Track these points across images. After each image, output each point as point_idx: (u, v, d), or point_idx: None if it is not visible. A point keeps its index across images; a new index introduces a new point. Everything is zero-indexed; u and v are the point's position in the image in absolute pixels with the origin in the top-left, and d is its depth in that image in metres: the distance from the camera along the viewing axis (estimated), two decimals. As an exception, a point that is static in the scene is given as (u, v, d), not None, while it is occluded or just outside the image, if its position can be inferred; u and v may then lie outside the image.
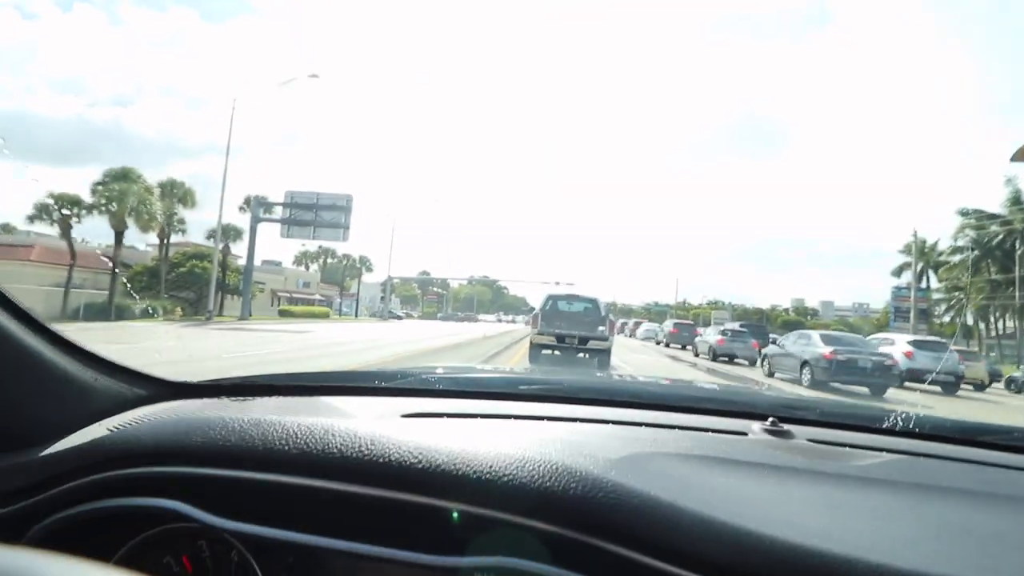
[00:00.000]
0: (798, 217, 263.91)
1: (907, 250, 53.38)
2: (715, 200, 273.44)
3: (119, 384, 1.39)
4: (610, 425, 1.43)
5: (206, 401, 1.52)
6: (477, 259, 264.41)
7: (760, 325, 40.42)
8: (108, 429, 1.22)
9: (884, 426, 1.56)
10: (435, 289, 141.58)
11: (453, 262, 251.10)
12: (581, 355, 17.61)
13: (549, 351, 17.97)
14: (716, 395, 2.06)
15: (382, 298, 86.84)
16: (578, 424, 1.43)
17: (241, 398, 1.54)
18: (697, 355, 31.24)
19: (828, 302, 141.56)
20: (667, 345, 40.95)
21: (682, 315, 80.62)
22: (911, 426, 1.56)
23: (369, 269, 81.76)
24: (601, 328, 17.54)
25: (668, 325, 44.69)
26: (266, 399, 1.56)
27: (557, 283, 62.22)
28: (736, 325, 32.87)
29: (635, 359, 24.71)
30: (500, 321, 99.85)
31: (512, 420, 1.45)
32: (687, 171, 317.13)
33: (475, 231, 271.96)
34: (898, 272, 56.19)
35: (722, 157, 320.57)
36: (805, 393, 12.31)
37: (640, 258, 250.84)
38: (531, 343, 18.00)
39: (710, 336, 30.53)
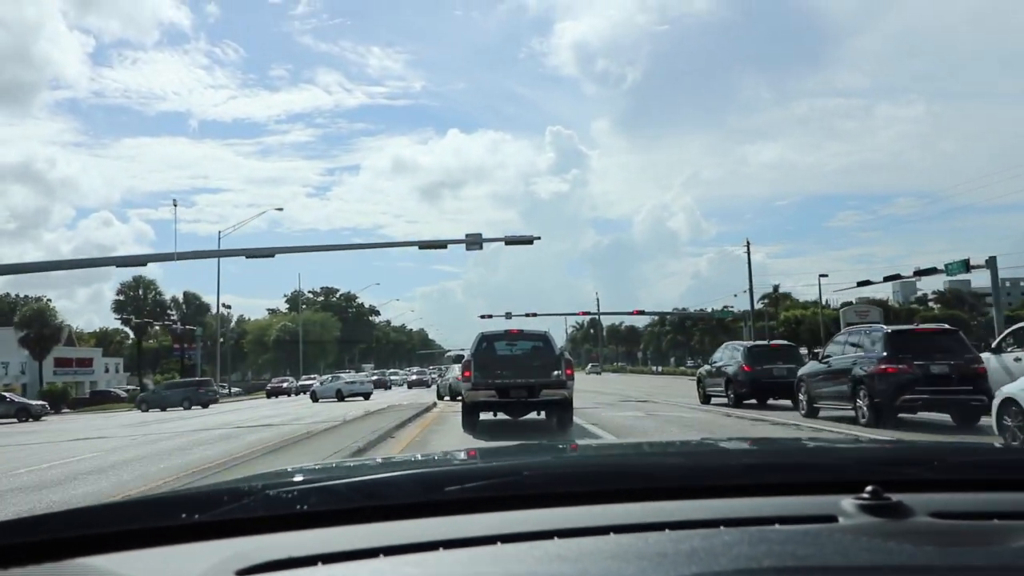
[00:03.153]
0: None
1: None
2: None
3: None
4: (615, 537, 0.97)
5: None
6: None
7: None
8: None
9: None
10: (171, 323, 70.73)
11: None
12: (532, 412, 14.73)
13: (490, 412, 14.84)
14: (771, 459, 1.48)
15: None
16: (562, 543, 0.95)
17: None
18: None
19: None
20: None
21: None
22: None
23: None
24: (556, 372, 14.26)
25: None
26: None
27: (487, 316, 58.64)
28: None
29: (609, 415, 18.92)
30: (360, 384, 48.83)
31: (443, 552, 0.95)
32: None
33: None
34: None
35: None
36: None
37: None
38: (463, 404, 14.83)
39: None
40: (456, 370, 25.85)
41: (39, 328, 56.14)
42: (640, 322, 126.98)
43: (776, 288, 74.81)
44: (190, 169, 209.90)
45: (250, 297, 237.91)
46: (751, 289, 68.09)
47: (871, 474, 1.14)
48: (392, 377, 72.80)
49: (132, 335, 66.25)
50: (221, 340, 61.62)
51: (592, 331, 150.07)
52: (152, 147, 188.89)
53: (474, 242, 27.97)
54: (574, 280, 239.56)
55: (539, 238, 28.99)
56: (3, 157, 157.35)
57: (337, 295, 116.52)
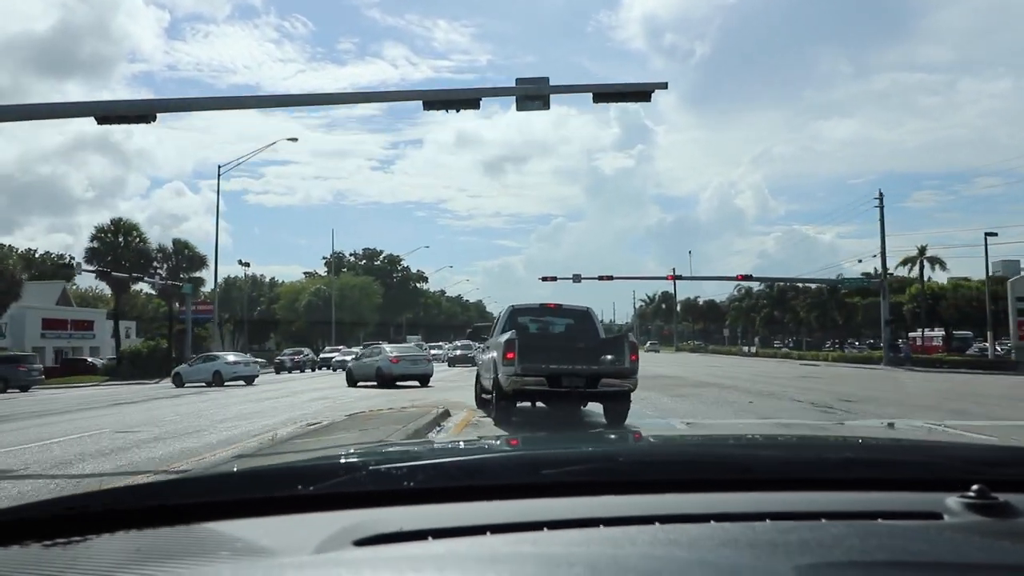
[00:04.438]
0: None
1: None
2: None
3: None
4: (718, 524, 0.98)
5: (6, 553, 1.01)
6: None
7: None
8: None
9: None
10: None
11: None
12: (584, 405, 12.50)
13: (528, 402, 12.59)
14: (869, 455, 1.46)
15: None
16: (668, 528, 0.95)
17: (64, 541, 1.02)
18: None
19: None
20: None
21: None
22: None
23: None
24: (619, 358, 11.95)
25: None
26: (108, 538, 1.03)
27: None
28: None
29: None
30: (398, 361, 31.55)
31: (549, 532, 0.96)
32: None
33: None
34: None
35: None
36: None
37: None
38: (498, 391, 11.91)
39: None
40: (482, 351, 17.31)
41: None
42: (720, 295, 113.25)
43: (923, 251, 59.12)
44: (259, 141, 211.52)
45: (289, 263, 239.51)
46: (883, 253, 53.13)
47: (974, 473, 1.13)
48: (435, 351, 58.92)
49: (110, 291, 54.28)
50: (236, 304, 49.41)
51: (664, 306, 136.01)
52: (222, 119, 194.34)
53: (532, 95, 14.46)
54: (638, 257, 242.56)
55: (664, 86, 15.58)
56: (84, 129, 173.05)
57: (380, 258, 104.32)
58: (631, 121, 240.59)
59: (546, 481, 1.16)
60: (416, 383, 27.25)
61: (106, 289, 60.89)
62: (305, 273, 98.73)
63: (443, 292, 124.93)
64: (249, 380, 34.67)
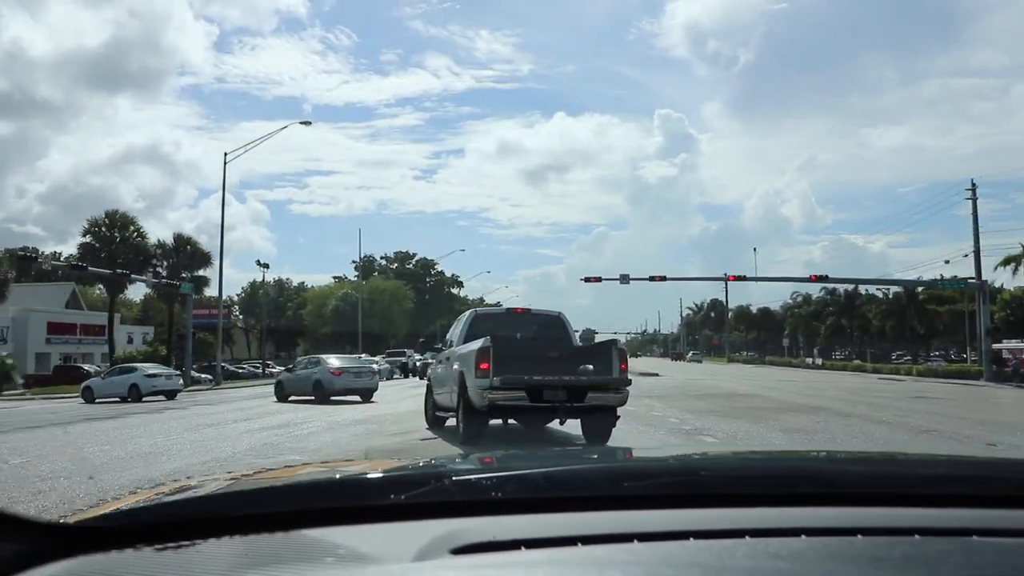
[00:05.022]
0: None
1: None
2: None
3: None
4: (810, 539, 0.96)
5: (118, 557, 1.03)
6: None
7: None
8: None
9: None
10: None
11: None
12: (564, 422, 11.37)
13: (498, 419, 11.48)
14: (955, 471, 1.44)
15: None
16: (762, 541, 0.94)
17: (174, 545, 1.05)
18: None
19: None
20: None
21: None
22: None
23: None
24: (603, 367, 11.19)
25: None
26: (215, 543, 1.07)
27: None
28: None
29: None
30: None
31: (640, 544, 0.96)
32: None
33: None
34: None
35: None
36: None
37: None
38: (465, 406, 10.74)
39: None
40: (437, 363, 14.53)
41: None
42: (773, 302, 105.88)
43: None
44: (303, 152, 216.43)
45: (330, 272, 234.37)
46: (977, 252, 46.13)
47: None
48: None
49: (104, 291, 49.29)
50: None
51: (712, 314, 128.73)
52: (268, 130, 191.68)
53: None
54: (681, 266, 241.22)
55: None
56: (134, 140, 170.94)
57: (413, 261, 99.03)
58: (674, 129, 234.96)
59: (630, 493, 1.18)
60: (358, 398, 24.86)
61: (131, 293, 57.66)
62: (334, 278, 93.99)
63: (482, 299, 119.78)
64: (170, 395, 31.13)
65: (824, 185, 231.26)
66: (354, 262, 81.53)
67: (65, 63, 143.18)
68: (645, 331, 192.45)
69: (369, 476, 1.35)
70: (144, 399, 29.99)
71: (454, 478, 1.23)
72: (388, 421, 16.58)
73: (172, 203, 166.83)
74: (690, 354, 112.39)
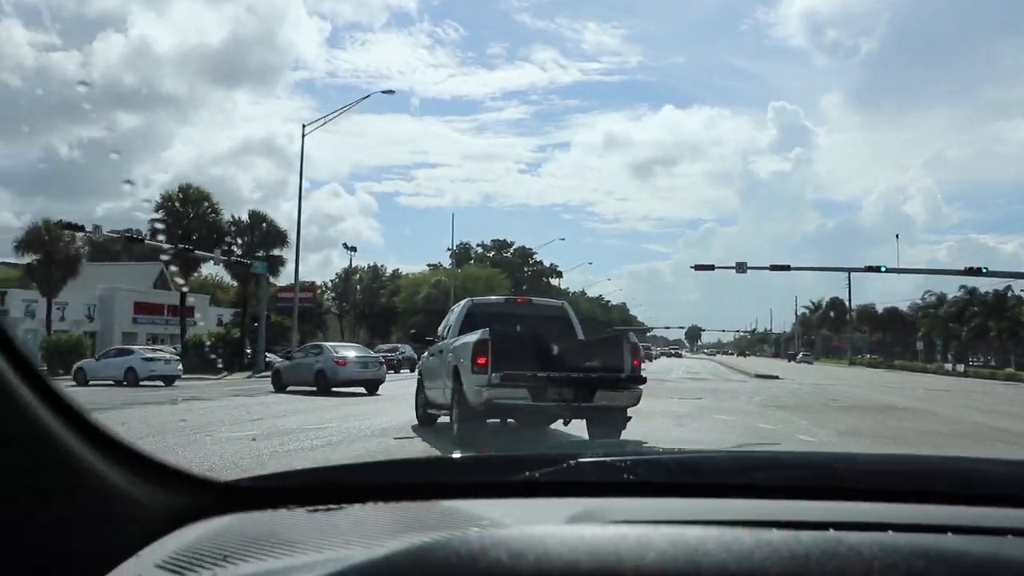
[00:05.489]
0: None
1: None
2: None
3: (149, 488, 1.01)
4: (955, 537, 0.95)
5: (273, 515, 1.14)
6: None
7: None
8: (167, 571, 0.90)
9: None
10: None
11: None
12: (568, 423, 10.55)
13: (496, 419, 10.28)
14: None
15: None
16: (905, 536, 0.88)
17: (324, 508, 1.14)
18: None
19: None
20: None
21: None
22: None
23: None
24: (614, 363, 10.04)
25: None
26: (361, 508, 1.15)
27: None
28: None
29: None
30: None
31: (783, 532, 0.90)
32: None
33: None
34: None
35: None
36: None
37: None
38: (464, 408, 9.82)
39: None
40: (429, 355, 13.41)
41: (45, 253, 38.27)
42: (900, 302, 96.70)
43: None
44: (411, 145, 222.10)
45: (419, 259, 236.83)
46: None
47: None
48: None
49: (176, 270, 46.95)
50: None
51: (832, 314, 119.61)
52: (377, 124, 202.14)
53: None
54: (794, 264, 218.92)
55: None
56: (252, 133, 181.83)
57: (511, 250, 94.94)
58: (789, 122, 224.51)
59: (759, 483, 1.17)
60: (363, 390, 22.99)
61: (227, 276, 56.12)
62: (429, 265, 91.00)
63: (583, 292, 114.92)
64: (168, 381, 28.92)
65: (951, 181, 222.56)
66: (449, 249, 78.42)
67: (188, 59, 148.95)
68: (755, 329, 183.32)
69: (506, 454, 1.40)
70: (141, 384, 27.65)
71: (593, 459, 1.25)
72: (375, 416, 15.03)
73: (285, 193, 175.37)
74: (800, 355, 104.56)
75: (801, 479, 1.19)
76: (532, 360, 9.70)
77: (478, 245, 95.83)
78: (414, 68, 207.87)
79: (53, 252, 39.15)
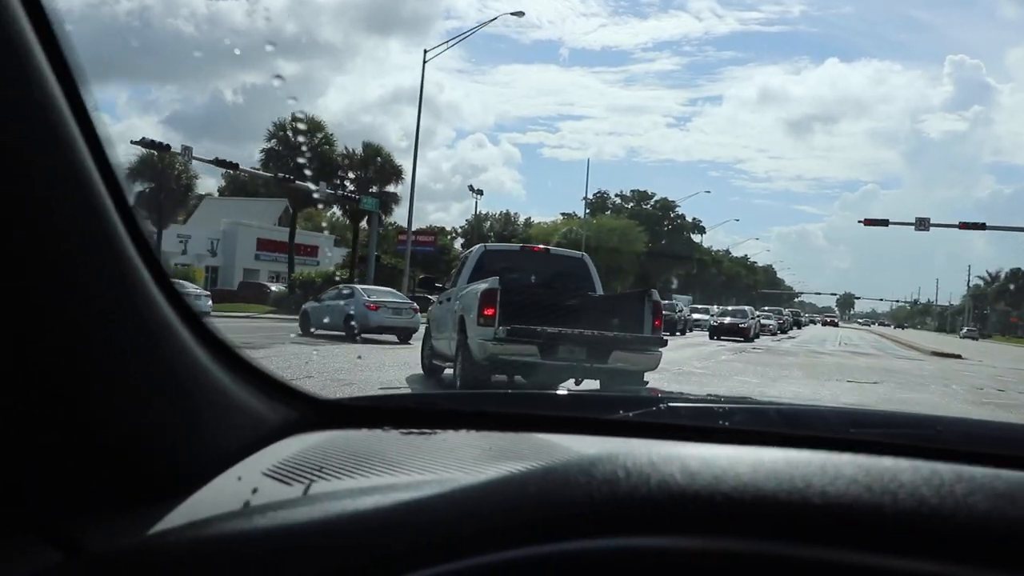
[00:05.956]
0: None
1: None
2: None
3: (262, 399, 1.08)
4: None
5: (368, 434, 1.20)
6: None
7: None
8: (273, 469, 0.96)
9: None
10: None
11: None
12: (580, 383, 9.18)
13: (502, 375, 9.49)
14: None
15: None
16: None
17: (418, 431, 1.19)
18: None
19: None
20: None
21: None
22: None
23: None
24: (633, 322, 9.78)
25: None
26: (454, 435, 1.19)
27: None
28: None
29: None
30: None
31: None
32: None
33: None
34: None
35: None
36: None
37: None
38: (468, 362, 9.33)
39: None
40: (437, 303, 12.85)
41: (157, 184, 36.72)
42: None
43: None
44: (558, 96, 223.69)
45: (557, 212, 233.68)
46: None
47: None
48: (696, 316, 45.68)
49: (337, 212, 44.56)
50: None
51: (1012, 287, 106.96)
52: (525, 74, 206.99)
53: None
54: (961, 233, 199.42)
55: None
56: (403, 82, 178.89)
57: (651, 202, 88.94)
58: (968, 77, 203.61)
59: (861, 438, 1.14)
60: (395, 338, 21.31)
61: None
62: (562, 214, 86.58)
63: (727, 251, 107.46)
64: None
65: None
66: (584, 198, 73.66)
67: (346, 7, 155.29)
68: (917, 300, 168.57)
69: (598, 393, 1.40)
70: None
71: (689, 404, 1.24)
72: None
73: (432, 142, 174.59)
74: (964, 330, 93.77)
75: (904, 438, 1.12)
76: (544, 314, 9.32)
77: (616, 195, 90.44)
78: (564, 17, 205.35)
79: (163, 181, 37.64)
